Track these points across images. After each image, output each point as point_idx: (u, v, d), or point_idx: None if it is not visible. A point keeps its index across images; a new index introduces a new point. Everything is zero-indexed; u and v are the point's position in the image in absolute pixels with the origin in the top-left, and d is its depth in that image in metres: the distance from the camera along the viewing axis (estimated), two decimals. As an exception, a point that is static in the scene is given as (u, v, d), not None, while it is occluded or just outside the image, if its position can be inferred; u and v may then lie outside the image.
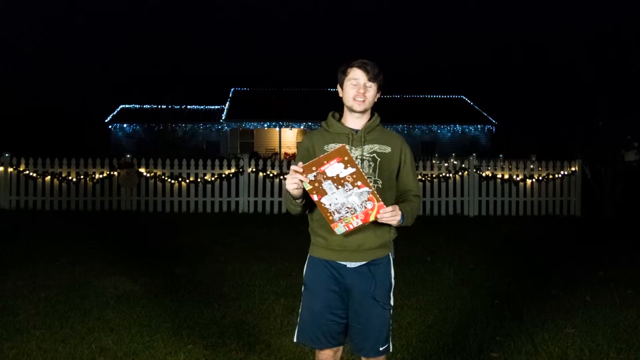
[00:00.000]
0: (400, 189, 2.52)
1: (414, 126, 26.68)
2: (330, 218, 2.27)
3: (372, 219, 2.26)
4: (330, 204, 2.25)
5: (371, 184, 2.24)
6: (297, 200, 2.34)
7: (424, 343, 3.87)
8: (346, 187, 2.24)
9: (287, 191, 2.33)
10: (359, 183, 2.23)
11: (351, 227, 2.27)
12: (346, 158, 2.22)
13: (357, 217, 2.25)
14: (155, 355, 3.62)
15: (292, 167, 2.26)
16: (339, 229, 2.28)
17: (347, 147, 2.35)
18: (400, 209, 2.28)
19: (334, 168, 2.23)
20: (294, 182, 2.24)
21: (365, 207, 2.24)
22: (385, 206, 2.25)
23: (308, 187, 2.25)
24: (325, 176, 2.24)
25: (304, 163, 2.24)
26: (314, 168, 2.24)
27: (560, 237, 8.76)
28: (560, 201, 11.18)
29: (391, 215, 2.24)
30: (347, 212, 2.26)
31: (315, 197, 2.26)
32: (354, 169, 2.22)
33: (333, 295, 2.43)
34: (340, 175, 2.23)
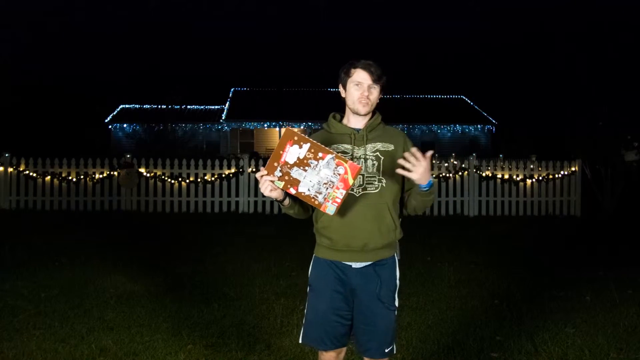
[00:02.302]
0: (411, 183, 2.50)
1: (414, 126, 26.67)
2: (316, 202, 2.22)
3: (351, 181, 2.19)
4: (308, 189, 2.21)
5: (336, 154, 2.18)
6: (284, 203, 2.34)
7: (424, 343, 3.87)
8: (312, 165, 2.19)
9: (276, 200, 2.32)
10: (320, 154, 2.18)
11: (338, 200, 2.21)
12: (296, 138, 2.18)
13: (337, 188, 2.20)
14: (155, 355, 3.63)
15: (257, 175, 2.25)
16: (329, 208, 2.22)
17: (351, 147, 2.31)
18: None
19: (292, 153, 2.19)
20: (266, 186, 2.22)
21: (339, 174, 2.18)
22: (355, 163, 2.20)
23: (280, 184, 2.22)
24: (289, 165, 2.20)
25: None
26: (275, 164, 2.20)
27: (560, 237, 8.76)
28: (560, 201, 11.18)
29: (426, 167, 2.17)
30: (327, 188, 2.20)
31: (292, 191, 2.22)
32: (308, 144, 2.17)
33: (338, 297, 2.42)
34: (301, 157, 2.18)
